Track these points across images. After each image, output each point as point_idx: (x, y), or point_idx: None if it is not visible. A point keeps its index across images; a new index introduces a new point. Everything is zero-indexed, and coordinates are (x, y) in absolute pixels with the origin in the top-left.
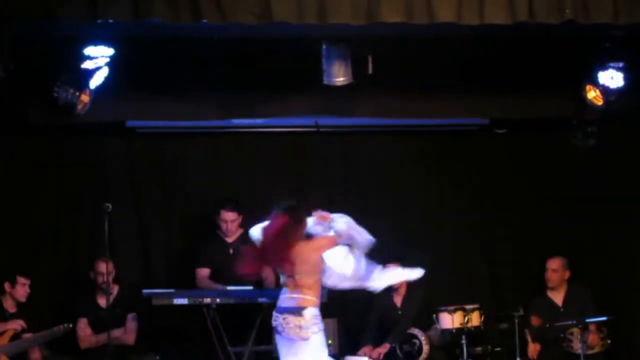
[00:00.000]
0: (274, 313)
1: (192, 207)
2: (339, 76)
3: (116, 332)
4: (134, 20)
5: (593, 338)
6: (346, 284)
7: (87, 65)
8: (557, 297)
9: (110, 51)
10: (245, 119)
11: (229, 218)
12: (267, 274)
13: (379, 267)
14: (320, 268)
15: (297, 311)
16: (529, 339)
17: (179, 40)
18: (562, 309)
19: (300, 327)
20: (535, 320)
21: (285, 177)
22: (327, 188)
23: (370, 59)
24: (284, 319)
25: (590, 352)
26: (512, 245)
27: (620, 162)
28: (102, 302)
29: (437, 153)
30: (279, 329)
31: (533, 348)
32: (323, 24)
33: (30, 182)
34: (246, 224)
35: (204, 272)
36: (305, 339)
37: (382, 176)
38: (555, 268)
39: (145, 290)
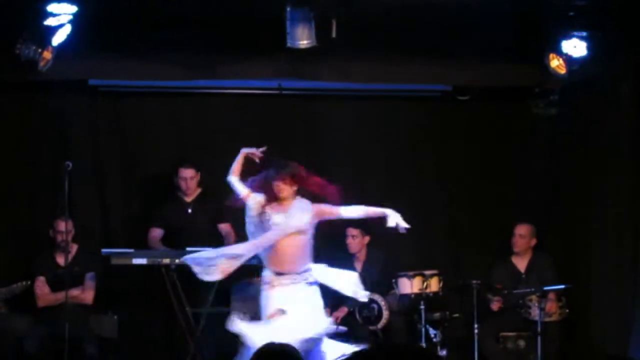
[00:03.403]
0: None
1: (153, 166)
2: (302, 39)
3: (74, 291)
4: None
5: (551, 306)
6: None
7: (49, 22)
8: (521, 264)
9: (73, 8)
10: (208, 80)
11: (188, 175)
12: (227, 230)
13: None
14: None
15: None
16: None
17: None
18: (523, 276)
19: None
20: (496, 285)
21: (246, 139)
22: (288, 150)
23: (334, 23)
24: None
25: (547, 319)
26: (473, 212)
27: (583, 132)
28: (60, 260)
29: (399, 118)
30: None
31: (497, 302)
32: None
33: None
34: (205, 185)
35: (156, 232)
36: None
37: (344, 140)
38: (522, 234)
39: (104, 250)
